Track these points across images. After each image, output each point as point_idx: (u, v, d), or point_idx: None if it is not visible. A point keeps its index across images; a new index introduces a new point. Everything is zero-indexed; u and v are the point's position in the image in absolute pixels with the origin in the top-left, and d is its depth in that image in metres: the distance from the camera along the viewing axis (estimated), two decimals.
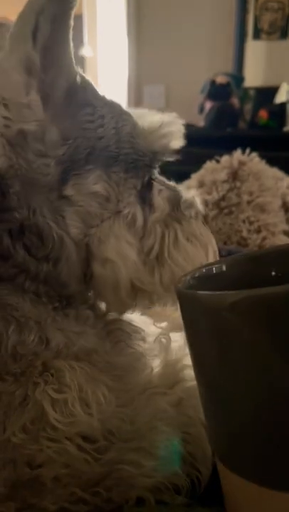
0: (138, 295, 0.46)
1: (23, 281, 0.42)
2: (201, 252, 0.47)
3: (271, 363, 0.31)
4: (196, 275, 0.43)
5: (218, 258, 0.48)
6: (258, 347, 0.31)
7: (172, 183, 0.49)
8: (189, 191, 0.50)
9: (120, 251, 0.43)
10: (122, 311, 0.49)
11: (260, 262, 0.42)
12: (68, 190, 0.42)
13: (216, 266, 0.46)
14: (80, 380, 0.40)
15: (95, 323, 0.46)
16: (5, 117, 0.40)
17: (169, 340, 0.50)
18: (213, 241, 0.49)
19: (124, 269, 0.44)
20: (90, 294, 0.48)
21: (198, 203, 0.49)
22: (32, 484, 0.38)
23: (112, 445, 0.40)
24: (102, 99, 0.45)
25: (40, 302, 0.43)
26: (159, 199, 0.47)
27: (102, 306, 0.49)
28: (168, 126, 0.45)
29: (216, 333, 0.34)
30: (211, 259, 0.48)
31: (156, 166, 0.48)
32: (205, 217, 0.49)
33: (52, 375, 0.40)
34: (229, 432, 0.34)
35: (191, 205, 0.49)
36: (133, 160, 0.44)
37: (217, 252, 0.48)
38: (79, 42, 3.16)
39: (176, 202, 0.48)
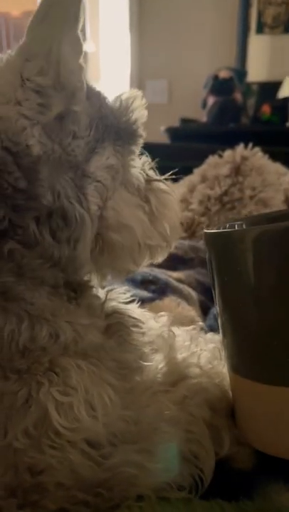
0: (145, 252, 0.50)
1: (43, 273, 0.42)
2: (175, 201, 0.52)
3: None
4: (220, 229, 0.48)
5: None
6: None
7: None
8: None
9: (134, 215, 0.47)
10: (129, 273, 0.53)
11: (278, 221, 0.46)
12: (91, 168, 0.44)
13: (238, 223, 0.52)
14: (86, 381, 0.39)
15: (100, 314, 0.46)
16: (39, 104, 0.41)
17: (172, 335, 0.49)
18: None
19: (140, 230, 0.47)
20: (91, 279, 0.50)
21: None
22: (34, 489, 0.37)
23: (116, 449, 0.39)
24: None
25: (56, 294, 0.43)
26: None
27: (101, 295, 0.49)
28: (138, 99, 0.49)
29: (249, 267, 0.38)
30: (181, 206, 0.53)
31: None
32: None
33: (57, 375, 0.39)
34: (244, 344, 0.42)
35: (150, 167, 0.53)
36: (129, 132, 0.48)
37: None
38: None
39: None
